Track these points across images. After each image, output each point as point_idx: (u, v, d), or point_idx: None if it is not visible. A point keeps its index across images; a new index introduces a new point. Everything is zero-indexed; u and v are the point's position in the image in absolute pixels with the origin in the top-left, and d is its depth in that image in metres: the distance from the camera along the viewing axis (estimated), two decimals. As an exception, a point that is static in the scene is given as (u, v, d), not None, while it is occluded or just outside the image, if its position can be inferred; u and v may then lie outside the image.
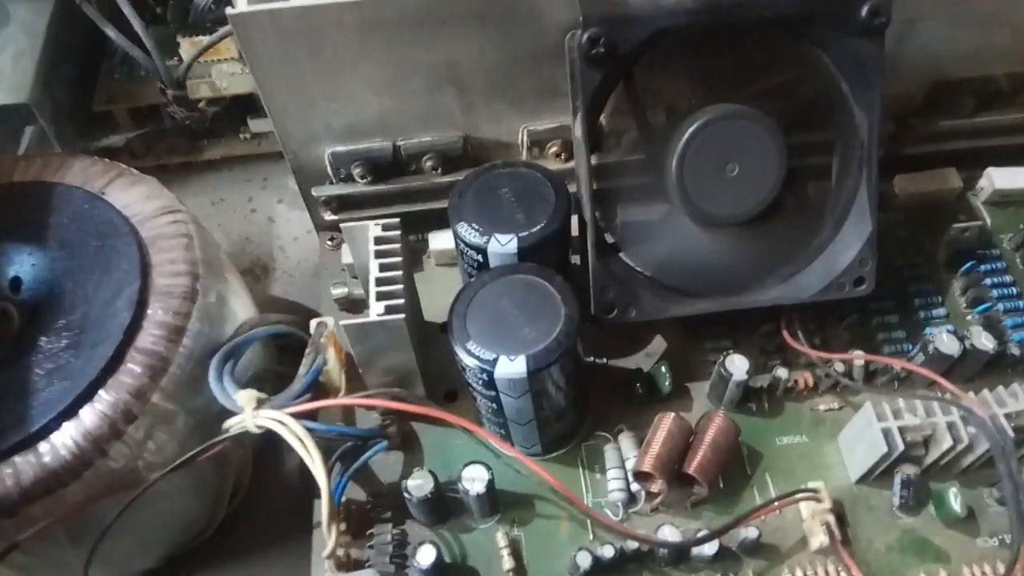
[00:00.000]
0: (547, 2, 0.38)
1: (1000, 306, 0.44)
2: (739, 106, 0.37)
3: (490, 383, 0.35)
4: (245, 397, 0.35)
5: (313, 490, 0.37)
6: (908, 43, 0.43)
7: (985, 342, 0.40)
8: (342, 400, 0.36)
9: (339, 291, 0.46)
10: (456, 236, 0.39)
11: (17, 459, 0.33)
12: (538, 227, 0.38)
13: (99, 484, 0.34)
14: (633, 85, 0.39)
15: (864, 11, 0.36)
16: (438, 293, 0.46)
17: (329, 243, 0.49)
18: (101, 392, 0.34)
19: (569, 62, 0.38)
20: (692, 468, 0.37)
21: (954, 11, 0.42)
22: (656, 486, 0.37)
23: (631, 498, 0.38)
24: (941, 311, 0.44)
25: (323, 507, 0.34)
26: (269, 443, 0.44)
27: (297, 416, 0.35)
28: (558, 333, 0.35)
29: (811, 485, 0.38)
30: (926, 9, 0.41)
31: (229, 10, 0.37)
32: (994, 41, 0.44)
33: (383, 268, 0.38)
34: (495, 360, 0.34)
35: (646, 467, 0.37)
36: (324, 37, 0.39)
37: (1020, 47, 0.44)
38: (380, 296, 0.37)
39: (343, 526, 0.37)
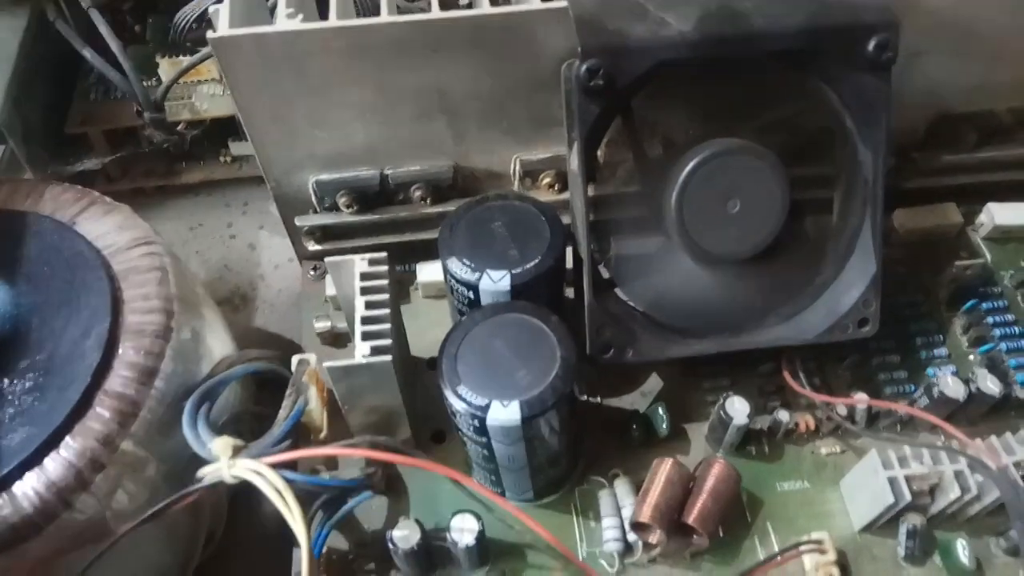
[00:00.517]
0: (543, 30, 0.37)
1: (1003, 346, 0.43)
2: (743, 141, 0.36)
3: (482, 429, 0.33)
4: (220, 445, 0.33)
5: (292, 537, 0.36)
6: (911, 76, 0.42)
7: (991, 386, 0.39)
8: (322, 450, 0.34)
9: (322, 324, 0.44)
10: (446, 272, 0.37)
11: (-26, 511, 0.31)
12: (532, 263, 0.36)
13: (63, 538, 0.32)
14: (631, 116, 0.37)
15: (871, 46, 0.35)
16: (426, 326, 0.44)
17: (312, 273, 0.47)
18: (67, 439, 0.32)
19: (565, 92, 0.37)
20: (692, 518, 0.36)
21: (958, 45, 0.41)
22: (654, 536, 0.36)
23: (627, 548, 0.37)
24: (943, 351, 0.43)
25: (303, 563, 0.32)
26: (245, 486, 0.42)
27: (276, 466, 0.33)
28: (553, 378, 0.33)
29: (815, 535, 0.36)
30: (930, 43, 0.41)
31: (210, 34, 0.35)
32: (997, 76, 0.43)
33: (369, 305, 0.36)
34: (487, 406, 0.32)
35: (644, 518, 0.35)
36: (310, 62, 0.37)
37: (1023, 82, 0.44)
38: (366, 336, 0.36)
39: (324, 578, 0.35)
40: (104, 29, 0.46)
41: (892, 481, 0.35)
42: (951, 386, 0.38)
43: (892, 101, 0.36)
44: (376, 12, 0.42)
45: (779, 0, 0.35)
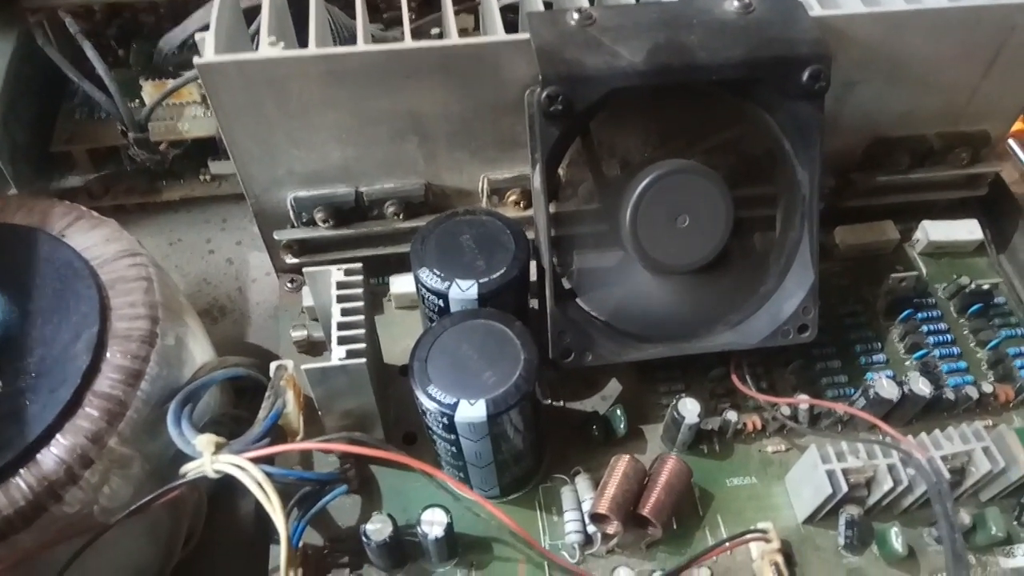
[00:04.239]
0: (508, 59, 0.40)
1: (936, 352, 0.46)
2: (689, 162, 0.39)
3: (450, 427, 0.35)
4: (204, 442, 0.35)
5: (268, 534, 0.37)
6: (847, 104, 0.45)
7: (922, 387, 0.42)
8: (301, 445, 0.37)
9: (299, 333, 0.46)
10: (418, 281, 0.40)
11: (-31, 505, 0.32)
12: (498, 274, 0.39)
13: (52, 530, 0.33)
14: (589, 139, 0.40)
15: (805, 76, 0.38)
16: (399, 335, 0.47)
17: (289, 285, 0.49)
18: (58, 436, 0.33)
19: (528, 116, 0.40)
20: (647, 510, 0.38)
21: (890, 75, 0.44)
22: (612, 527, 0.38)
23: (587, 539, 0.39)
24: (881, 357, 0.46)
25: (281, 553, 0.34)
26: (223, 487, 0.44)
27: (256, 461, 0.35)
28: (517, 378, 0.36)
29: (760, 526, 0.39)
30: (864, 73, 0.44)
31: (197, 59, 0.37)
32: (926, 103, 0.47)
33: (345, 312, 0.39)
34: (455, 404, 0.35)
35: (602, 509, 0.38)
36: (290, 86, 0.39)
37: (950, 109, 0.47)
38: (341, 340, 0.38)
39: (300, 571, 0.36)
40: (92, 54, 0.48)
41: (830, 474, 0.38)
42: (886, 388, 0.41)
43: (825, 126, 0.39)
44: (352, 39, 0.45)
45: (721, 34, 0.38)
